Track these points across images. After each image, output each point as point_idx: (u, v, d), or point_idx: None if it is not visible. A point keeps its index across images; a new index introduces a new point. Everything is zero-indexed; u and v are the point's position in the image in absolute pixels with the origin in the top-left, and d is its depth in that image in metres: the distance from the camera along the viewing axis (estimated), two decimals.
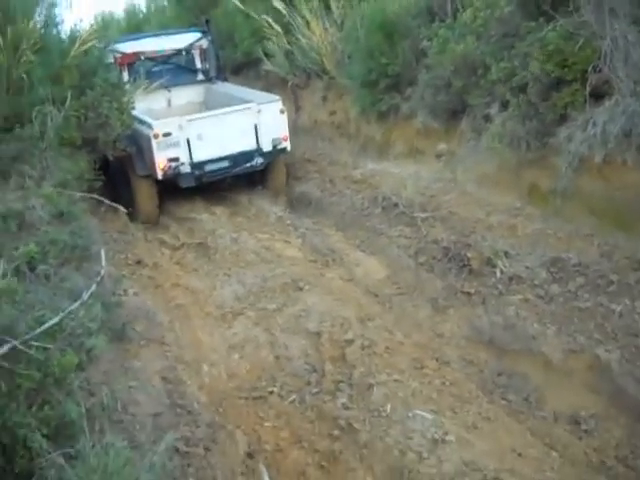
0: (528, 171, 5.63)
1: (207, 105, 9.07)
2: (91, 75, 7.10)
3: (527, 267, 4.81)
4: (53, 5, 7.25)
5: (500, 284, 4.82)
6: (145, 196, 7.48)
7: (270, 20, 9.36)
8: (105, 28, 15.14)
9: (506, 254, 4.99)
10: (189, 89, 9.27)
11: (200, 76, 9.43)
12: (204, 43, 9.32)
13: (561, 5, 5.40)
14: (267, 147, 7.59)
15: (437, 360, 4.46)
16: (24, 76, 5.81)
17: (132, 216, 7.16)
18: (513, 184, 5.79)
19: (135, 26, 14.94)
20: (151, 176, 7.36)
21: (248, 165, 7.55)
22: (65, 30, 7.10)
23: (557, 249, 4.88)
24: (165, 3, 14.02)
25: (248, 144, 7.51)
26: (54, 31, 6.90)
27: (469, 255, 5.15)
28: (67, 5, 7.47)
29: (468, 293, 4.96)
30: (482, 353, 4.59)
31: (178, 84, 9.11)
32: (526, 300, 4.59)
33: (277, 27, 9.35)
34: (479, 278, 5.00)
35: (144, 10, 15.59)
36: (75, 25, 7.28)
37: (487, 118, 6.10)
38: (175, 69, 9.20)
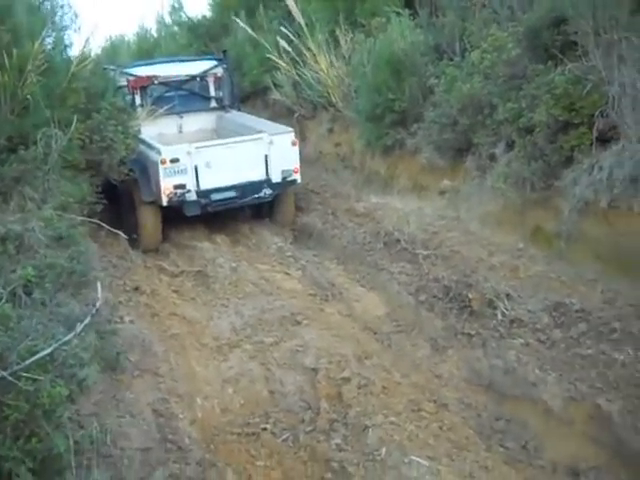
0: (532, 212, 5.61)
1: (218, 133, 8.99)
2: (98, 98, 7.13)
3: (529, 310, 4.75)
4: (62, 28, 7.33)
5: (501, 327, 4.74)
6: (149, 222, 7.38)
7: (279, 51, 9.43)
8: (115, 51, 15.31)
9: (508, 296, 4.92)
10: (201, 116, 9.17)
11: (213, 104, 9.34)
12: (219, 71, 9.27)
13: (569, 49, 5.45)
14: (276, 178, 7.47)
15: (435, 402, 4.37)
16: (29, 97, 5.81)
17: (134, 242, 7.14)
18: (517, 225, 5.77)
19: (145, 50, 15.06)
20: (156, 202, 7.26)
21: (256, 196, 7.42)
22: (73, 53, 7.14)
23: (560, 293, 4.81)
24: (176, 29, 14.13)
25: (257, 174, 7.40)
26: (62, 53, 6.94)
27: (470, 295, 5.08)
28: (77, 28, 7.55)
29: (468, 334, 4.89)
30: (481, 397, 4.49)
31: (190, 110, 9.04)
32: (527, 344, 4.51)
33: (285, 59, 9.40)
34: (480, 319, 4.93)
35: (155, 35, 15.73)
36: (84, 48, 7.30)
37: (492, 157, 6.10)
38: (188, 95, 9.13)
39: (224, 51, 9.68)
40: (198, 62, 9.46)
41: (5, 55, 5.56)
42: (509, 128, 5.76)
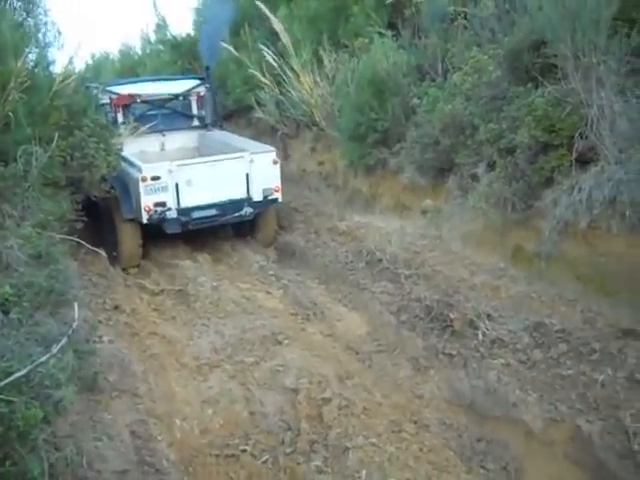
0: (513, 232, 5.63)
1: (200, 151, 8.98)
2: (80, 115, 7.09)
3: (510, 331, 4.76)
4: (46, 45, 7.30)
5: (482, 347, 4.75)
6: (129, 240, 7.33)
7: (262, 70, 9.47)
8: (99, 68, 15.29)
9: (489, 316, 4.94)
10: (183, 134, 9.17)
11: (195, 122, 9.38)
12: (202, 90, 9.30)
13: (549, 72, 5.50)
14: (258, 197, 7.48)
15: (416, 423, 4.36)
16: (10, 114, 5.78)
17: (114, 259, 7.09)
18: (498, 244, 5.79)
19: (129, 67, 15.04)
20: (136, 220, 7.22)
21: (237, 214, 7.40)
22: (56, 70, 7.10)
23: (540, 313, 4.83)
24: (161, 47, 14.13)
25: (238, 193, 7.41)
26: (44, 71, 6.90)
27: (452, 315, 5.09)
28: (60, 45, 7.53)
29: (450, 354, 4.88)
30: (462, 417, 4.49)
31: (173, 129, 9.04)
32: (508, 365, 4.52)
33: (268, 77, 9.44)
34: (461, 339, 4.93)
35: (139, 52, 15.73)
36: (68, 65, 7.27)
37: (474, 177, 6.13)
38: (171, 114, 9.14)
39: (206, 67, 9.65)
40: (181, 81, 9.50)
41: None
42: (490, 149, 5.80)
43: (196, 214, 7.23)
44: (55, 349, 3.14)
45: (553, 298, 4.99)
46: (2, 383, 2.87)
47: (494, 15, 6.57)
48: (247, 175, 7.41)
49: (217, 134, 9.11)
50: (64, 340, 3.30)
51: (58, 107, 6.53)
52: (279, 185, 7.61)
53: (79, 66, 9.60)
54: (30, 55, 6.56)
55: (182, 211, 7.15)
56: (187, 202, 7.16)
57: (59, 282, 4.79)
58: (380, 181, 7.77)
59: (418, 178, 7.00)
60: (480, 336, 4.82)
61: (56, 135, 6.04)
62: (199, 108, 9.37)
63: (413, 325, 5.35)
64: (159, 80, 9.67)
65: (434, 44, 7.36)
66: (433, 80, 7.18)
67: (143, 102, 8.83)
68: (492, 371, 4.52)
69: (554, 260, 5.14)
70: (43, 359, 3.05)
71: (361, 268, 6.44)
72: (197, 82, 9.35)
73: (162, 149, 8.93)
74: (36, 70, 6.50)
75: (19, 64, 5.82)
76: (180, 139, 9.11)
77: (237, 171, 7.39)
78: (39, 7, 8.22)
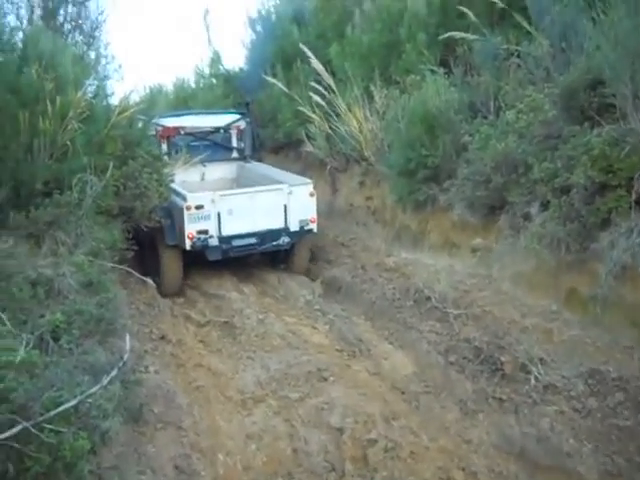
0: (567, 274, 5.48)
1: (239, 182, 9.39)
2: (135, 146, 7.25)
3: (563, 377, 4.60)
4: (105, 77, 7.54)
5: (534, 392, 4.59)
6: (171, 266, 7.59)
7: (312, 104, 9.57)
8: (153, 100, 15.62)
9: (541, 361, 4.78)
10: (223, 165, 9.60)
11: (235, 154, 9.79)
12: (242, 124, 9.74)
13: (606, 112, 5.41)
14: (294, 227, 7.76)
15: (464, 470, 4.22)
16: (68, 143, 5.93)
17: (156, 285, 7.15)
18: (551, 286, 5.64)
19: (183, 100, 15.31)
20: (178, 246, 7.47)
21: (274, 243, 7.68)
22: (114, 101, 7.31)
23: (595, 360, 4.66)
24: (214, 80, 14.40)
25: (276, 223, 7.68)
26: (103, 102, 7.11)
27: (502, 358, 4.95)
28: (119, 78, 7.77)
29: (500, 399, 4.74)
30: (512, 465, 4.32)
31: (213, 160, 9.41)
32: (562, 412, 4.35)
33: (317, 113, 9.54)
34: (512, 384, 4.78)
35: (193, 85, 16.04)
36: (125, 97, 7.47)
37: (526, 217, 6.01)
38: (212, 146, 9.57)
39: (247, 103, 10.21)
40: (223, 115, 9.97)
41: (49, 102, 5.69)
42: (544, 188, 5.69)
43: (236, 242, 7.53)
44: (106, 380, 3.14)
45: (609, 344, 4.81)
46: (52, 413, 2.88)
47: (549, 54, 6.52)
48: (285, 206, 7.70)
49: (255, 166, 9.54)
50: (115, 371, 3.29)
51: (114, 137, 6.70)
52: (315, 216, 7.89)
53: (135, 98, 9.85)
54: (90, 87, 6.77)
55: (223, 239, 7.44)
56: (228, 230, 7.46)
57: (109, 310, 4.84)
58: (429, 217, 7.69)
59: (468, 216, 6.90)
60: (532, 381, 4.67)
61: (111, 165, 6.16)
62: (239, 141, 9.84)
63: (462, 367, 5.22)
64: (202, 114, 10.18)
65: (486, 82, 7.31)
66: (485, 118, 7.12)
67: (187, 134, 9.28)
68: (545, 418, 4.36)
69: (610, 305, 4.97)
70: (93, 390, 3.05)
71: (409, 306, 6.34)
72: (238, 116, 9.83)
73: (202, 179, 9.30)
74: (95, 101, 6.68)
75: (79, 95, 5.99)
76: (220, 170, 9.55)
77: (276, 202, 7.69)
78: (99, 41, 8.53)
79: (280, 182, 8.00)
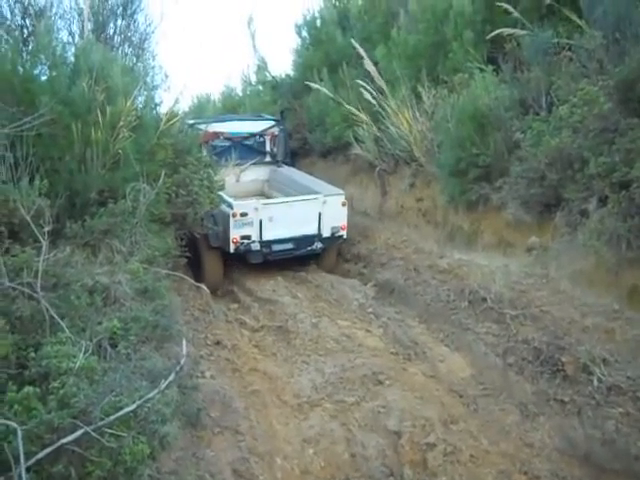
0: (628, 272, 5.30)
1: (270, 184, 10.01)
2: (185, 153, 7.34)
3: (628, 377, 4.44)
4: (153, 87, 7.65)
5: (597, 394, 4.45)
6: (213, 266, 8.07)
7: (360, 107, 9.54)
8: (202, 109, 15.84)
9: (604, 361, 4.63)
10: (257, 168, 10.03)
11: (268, 158, 10.24)
12: (276, 130, 10.26)
13: None
14: (326, 233, 8.30)
15: (526, 474, 4.12)
16: (120, 152, 6.02)
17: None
18: (611, 284, 5.46)
19: (230, 107, 15.47)
20: (220, 248, 7.95)
21: (309, 248, 8.25)
22: (162, 111, 7.41)
23: None
24: (260, 88, 14.49)
25: (311, 229, 8.22)
26: (152, 111, 7.22)
27: (563, 359, 4.81)
28: (167, 87, 7.88)
29: (561, 401, 4.61)
30: (576, 470, 4.20)
31: (248, 163, 9.86)
32: (627, 414, 4.20)
33: (365, 116, 9.52)
34: (574, 385, 4.64)
35: (240, 93, 16.18)
36: (174, 106, 7.56)
37: (584, 213, 5.84)
38: (247, 149, 10.01)
39: (282, 112, 10.82)
40: (258, 121, 10.48)
41: (100, 113, 5.80)
42: (602, 183, 5.52)
43: (275, 247, 8.04)
44: (164, 385, 3.16)
45: None
46: (112, 418, 2.91)
47: (602, 45, 6.33)
48: (319, 214, 8.22)
49: (287, 171, 10.01)
50: (172, 376, 3.31)
51: (164, 145, 6.78)
52: (345, 224, 8.41)
53: (183, 107, 10.03)
54: (139, 97, 6.87)
55: (264, 244, 7.95)
56: (268, 236, 7.95)
57: (164, 317, 4.89)
58: (482, 217, 7.55)
59: (522, 214, 6.74)
60: (595, 382, 4.52)
61: (163, 172, 6.24)
62: (272, 146, 10.30)
63: (521, 368, 5.10)
64: (240, 119, 10.70)
65: (537, 77, 7.14)
66: (537, 114, 6.95)
67: (225, 139, 9.76)
68: (610, 420, 4.22)
69: None
70: (152, 394, 3.07)
71: (463, 307, 6.22)
72: (272, 123, 10.35)
73: (237, 180, 9.74)
74: (144, 110, 6.79)
75: (128, 104, 6.09)
76: (254, 172, 10.02)
77: (311, 210, 8.23)
78: (148, 52, 8.67)
79: (308, 186, 8.67)
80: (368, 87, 9.33)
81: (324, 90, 10.49)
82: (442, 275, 7.07)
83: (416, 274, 7.43)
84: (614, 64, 6.06)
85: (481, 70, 7.78)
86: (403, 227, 9.10)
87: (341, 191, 8.59)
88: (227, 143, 9.79)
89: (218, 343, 6.04)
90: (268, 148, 10.28)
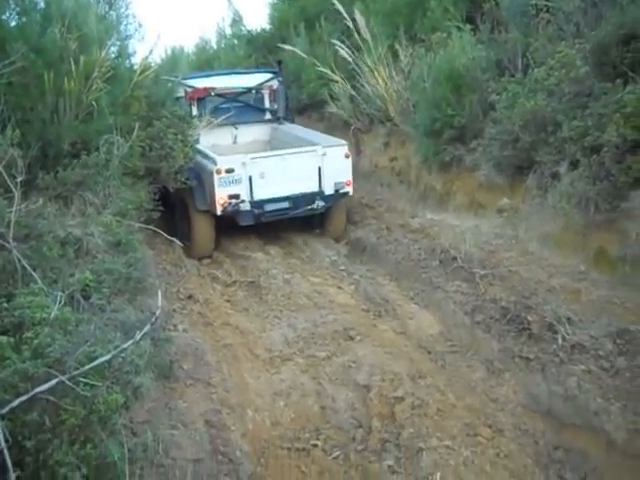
0: (596, 234, 5.42)
1: (272, 144, 9.06)
2: (159, 106, 7.24)
3: (591, 336, 4.56)
4: (127, 37, 7.48)
5: (561, 352, 4.57)
6: (202, 231, 7.45)
7: (336, 64, 9.45)
8: (175, 61, 15.55)
9: (569, 320, 4.75)
10: (256, 127, 9.26)
11: (267, 115, 9.44)
12: (274, 84, 9.36)
13: None
14: (329, 190, 7.54)
15: (491, 427, 4.24)
16: (94, 104, 5.91)
17: (187, 249, 7.19)
18: (578, 246, 5.58)
19: (205, 61, 15.24)
20: (210, 211, 7.34)
21: (308, 207, 7.48)
22: (136, 62, 7.26)
23: (624, 319, 4.62)
24: (235, 42, 14.28)
25: (310, 186, 7.47)
26: (126, 62, 7.07)
27: (529, 318, 4.92)
28: (140, 37, 7.70)
29: (526, 358, 4.72)
30: (539, 423, 4.33)
31: (245, 122, 9.12)
32: (589, 371, 4.33)
33: (341, 74, 9.39)
34: (539, 343, 4.75)
35: (214, 46, 15.93)
36: (147, 57, 7.41)
37: (555, 176, 5.93)
38: (243, 107, 9.21)
39: (279, 62, 9.79)
40: (254, 74, 9.60)
41: (73, 62, 5.67)
42: (574, 147, 5.59)
43: (269, 207, 7.32)
44: (138, 336, 3.19)
45: (638, 304, 4.76)
46: (87, 367, 2.93)
47: (580, 8, 6.34)
48: (319, 169, 7.47)
49: (289, 128, 9.16)
50: (147, 327, 3.34)
51: (138, 98, 6.68)
52: (350, 179, 7.65)
53: (157, 59, 9.79)
54: (112, 47, 6.72)
55: (255, 204, 7.23)
56: (260, 195, 7.24)
57: (137, 270, 4.90)
58: (455, 178, 7.62)
59: (495, 176, 6.81)
60: (559, 340, 4.64)
61: (136, 125, 6.15)
62: (271, 102, 9.42)
63: (488, 326, 5.21)
64: (233, 73, 9.79)
65: (514, 38, 7.14)
66: (513, 76, 6.97)
67: (217, 95, 8.93)
68: (572, 377, 4.34)
69: None
70: (126, 345, 3.10)
71: (434, 266, 6.31)
72: (270, 76, 9.42)
73: (234, 142, 9.03)
74: (118, 61, 6.65)
75: (102, 54, 5.96)
76: (252, 132, 9.20)
77: (309, 165, 7.45)
78: (121, 0, 8.44)
79: (314, 143, 7.76)
80: (344, 45, 9.23)
81: (297, 51, 10.15)
82: (414, 234, 7.15)
83: (388, 233, 7.49)
84: (591, 27, 6.09)
85: (459, 29, 7.76)
86: (376, 186, 9.14)
87: (343, 142, 7.88)
88: (220, 100, 8.97)
89: (190, 297, 6.06)
90: (267, 104, 9.41)
